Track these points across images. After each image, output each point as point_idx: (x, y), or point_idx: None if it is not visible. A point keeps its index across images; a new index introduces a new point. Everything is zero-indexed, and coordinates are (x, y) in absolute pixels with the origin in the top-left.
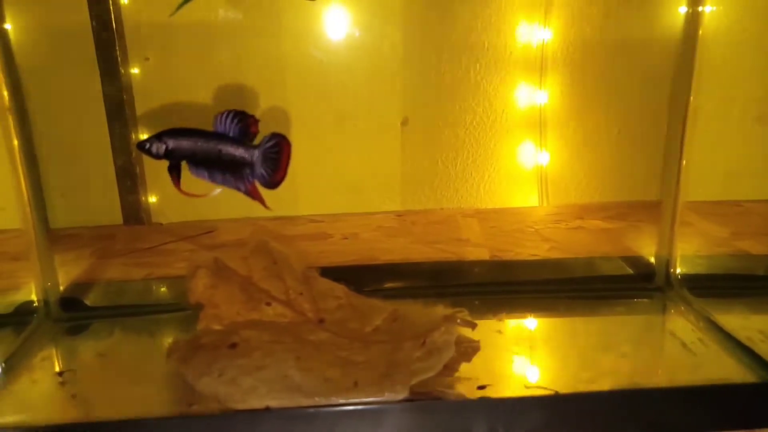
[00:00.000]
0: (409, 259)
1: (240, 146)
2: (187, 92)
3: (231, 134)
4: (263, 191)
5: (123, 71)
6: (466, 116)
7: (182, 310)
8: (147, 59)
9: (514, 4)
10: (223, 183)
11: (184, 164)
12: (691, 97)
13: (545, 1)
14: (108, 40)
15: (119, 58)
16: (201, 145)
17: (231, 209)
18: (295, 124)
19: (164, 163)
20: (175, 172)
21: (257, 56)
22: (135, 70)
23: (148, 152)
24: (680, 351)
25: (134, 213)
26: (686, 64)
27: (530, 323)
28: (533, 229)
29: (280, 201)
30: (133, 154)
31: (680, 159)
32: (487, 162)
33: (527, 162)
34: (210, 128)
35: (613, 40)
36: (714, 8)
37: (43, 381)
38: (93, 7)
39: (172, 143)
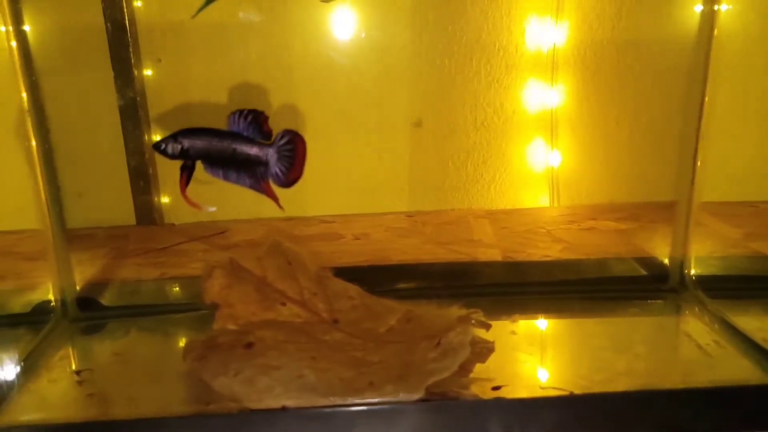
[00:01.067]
0: (422, 260)
1: (254, 145)
2: (199, 93)
3: (245, 133)
4: (276, 190)
5: (136, 73)
6: (476, 117)
7: (197, 309)
8: (159, 60)
9: (525, 4)
10: (237, 182)
11: (196, 172)
12: (706, 98)
13: (557, 1)
14: (121, 42)
15: (132, 60)
16: (215, 144)
17: (243, 210)
18: (306, 124)
19: (177, 164)
20: (186, 172)
21: (268, 57)
22: (148, 72)
23: (164, 152)
24: (696, 352)
25: (147, 213)
26: (701, 63)
27: (544, 324)
28: (545, 230)
29: (290, 201)
30: (147, 155)
31: (695, 159)
32: (497, 163)
33: (538, 163)
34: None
35: (626, 40)
36: (730, 7)
37: (61, 380)
38: (107, 9)
39: (187, 143)
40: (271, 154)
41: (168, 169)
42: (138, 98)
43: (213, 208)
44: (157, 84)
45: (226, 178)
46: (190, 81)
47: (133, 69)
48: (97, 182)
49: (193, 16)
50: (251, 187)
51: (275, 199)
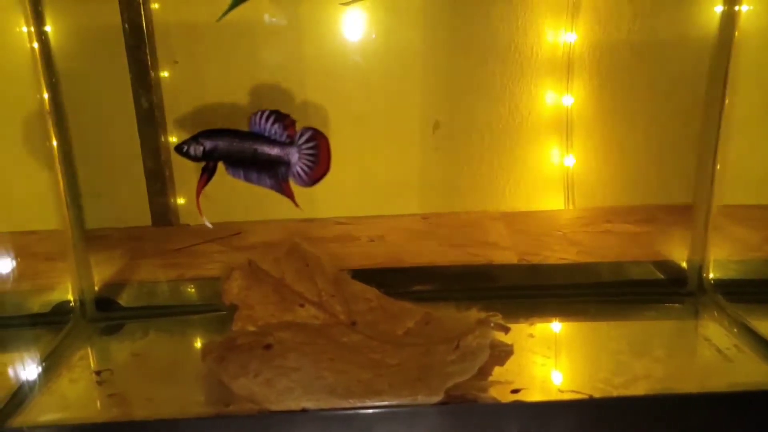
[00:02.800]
0: (437, 262)
1: (276, 145)
2: (215, 94)
3: (266, 134)
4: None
5: (153, 74)
6: (491, 119)
7: (214, 311)
8: (176, 62)
9: (541, 6)
10: (259, 183)
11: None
12: (726, 100)
13: (572, 2)
14: (138, 44)
15: (149, 62)
16: (237, 145)
17: (258, 211)
18: (321, 125)
19: (192, 165)
20: (206, 173)
21: (284, 58)
22: (164, 74)
23: (186, 154)
24: (715, 356)
25: (163, 215)
26: (721, 65)
27: (562, 327)
28: (561, 233)
29: (305, 203)
30: (163, 157)
31: (714, 162)
32: (512, 165)
33: (553, 165)
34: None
35: (643, 41)
36: (751, 7)
37: (81, 380)
38: (125, 11)
39: (209, 144)
40: (292, 154)
41: (184, 171)
42: (154, 100)
43: (210, 225)
44: (174, 86)
45: (247, 179)
46: (205, 83)
47: (150, 70)
48: (114, 183)
49: (219, 19)
50: (272, 187)
51: (292, 198)
